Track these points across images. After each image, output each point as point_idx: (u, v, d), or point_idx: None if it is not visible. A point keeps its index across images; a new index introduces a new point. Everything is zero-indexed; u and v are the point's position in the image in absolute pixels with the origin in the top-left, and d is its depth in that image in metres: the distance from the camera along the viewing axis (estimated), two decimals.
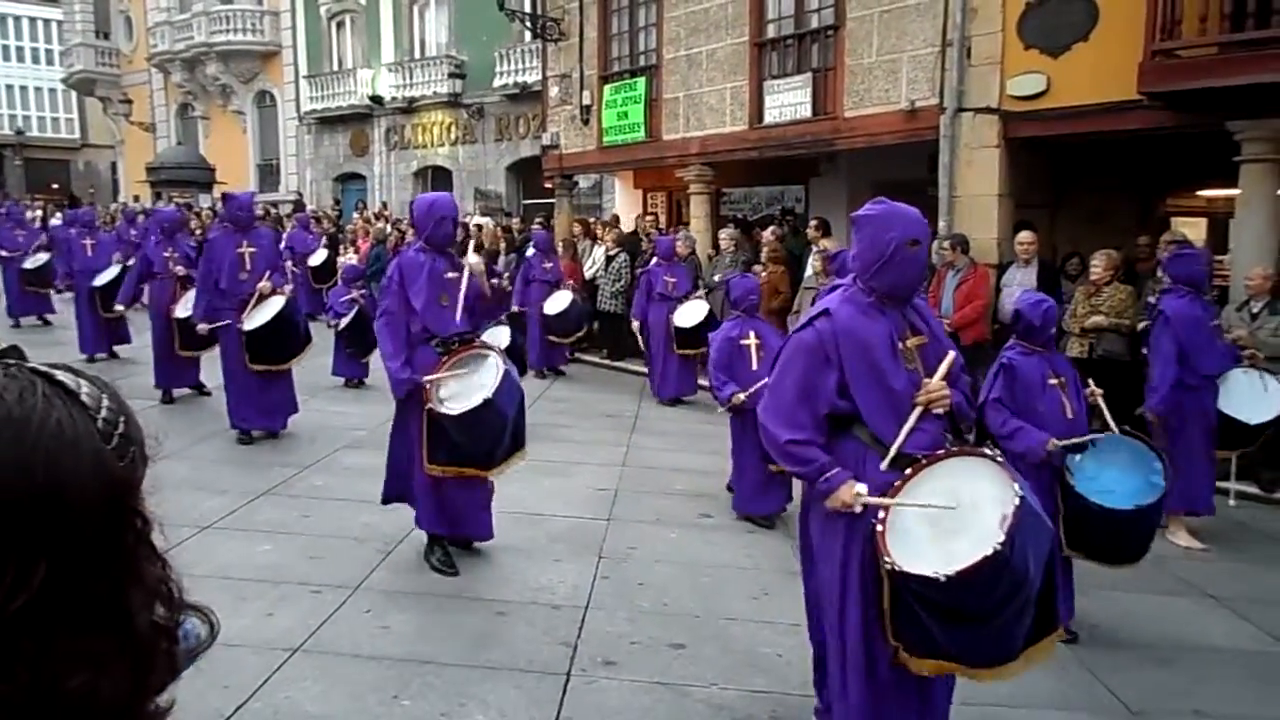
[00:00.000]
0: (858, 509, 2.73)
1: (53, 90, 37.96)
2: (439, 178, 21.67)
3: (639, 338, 10.03)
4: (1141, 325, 7.15)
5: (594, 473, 6.75)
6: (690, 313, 9.43)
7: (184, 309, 7.77)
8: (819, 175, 12.93)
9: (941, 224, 9.11)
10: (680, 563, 5.07)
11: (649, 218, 14.02)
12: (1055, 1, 8.27)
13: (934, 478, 2.74)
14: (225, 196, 7.28)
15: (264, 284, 6.89)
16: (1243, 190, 7.50)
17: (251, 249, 6.95)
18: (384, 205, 20.88)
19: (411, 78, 21.01)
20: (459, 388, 4.50)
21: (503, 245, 13.25)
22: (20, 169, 36.01)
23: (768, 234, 10.55)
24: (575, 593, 4.52)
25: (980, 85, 8.83)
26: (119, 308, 9.14)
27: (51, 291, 12.72)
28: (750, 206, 14.33)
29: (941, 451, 2.80)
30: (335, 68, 23.15)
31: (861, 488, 2.73)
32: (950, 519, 2.63)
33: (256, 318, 6.81)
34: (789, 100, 10.65)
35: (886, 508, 2.70)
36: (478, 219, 16.42)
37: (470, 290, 4.68)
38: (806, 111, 10.47)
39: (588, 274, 12.14)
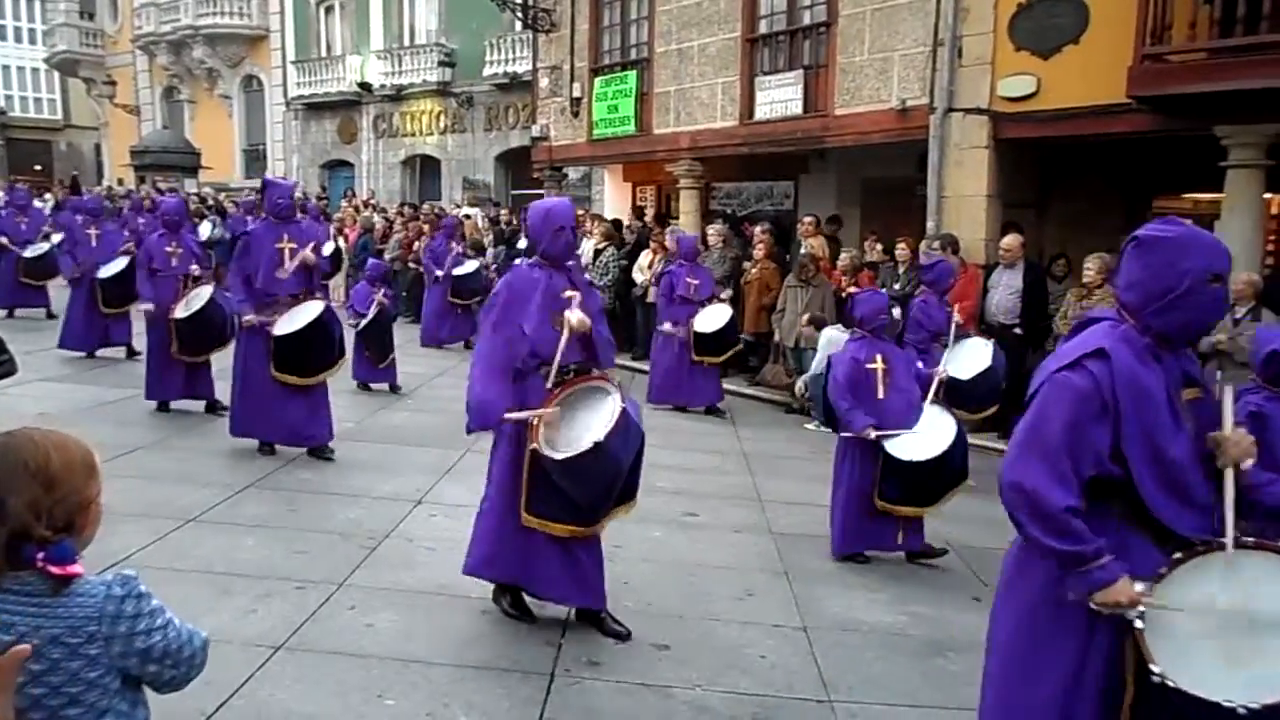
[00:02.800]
0: (1133, 615, 2.17)
1: (35, 70, 37.53)
2: (427, 166, 21.59)
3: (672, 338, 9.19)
4: None
5: None
6: (712, 317, 8.92)
7: (184, 309, 7.20)
8: (809, 172, 12.95)
9: (930, 224, 9.15)
10: (664, 562, 5.07)
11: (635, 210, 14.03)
12: (1046, 4, 8.30)
13: (1218, 573, 2.18)
14: (265, 184, 6.67)
15: (308, 253, 6.27)
16: (1228, 195, 7.56)
17: (292, 244, 6.28)
18: (371, 193, 20.78)
19: (400, 65, 20.89)
20: (568, 427, 3.83)
21: (490, 237, 13.20)
22: (1, 149, 35.59)
23: (759, 230, 10.54)
24: None
25: (970, 86, 8.85)
26: (142, 306, 8.09)
27: (53, 282, 11.83)
28: (739, 202, 14.34)
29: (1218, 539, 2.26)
30: (324, 53, 22.99)
31: (1141, 586, 2.18)
32: (1243, 627, 2.14)
33: (289, 323, 6.19)
34: (780, 96, 10.66)
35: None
36: (465, 209, 16.36)
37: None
38: (797, 108, 10.48)
39: None
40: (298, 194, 19.75)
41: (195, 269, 7.66)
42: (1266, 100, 6.81)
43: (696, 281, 9.10)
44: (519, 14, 14.26)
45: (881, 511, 5.15)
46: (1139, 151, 9.06)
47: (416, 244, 13.83)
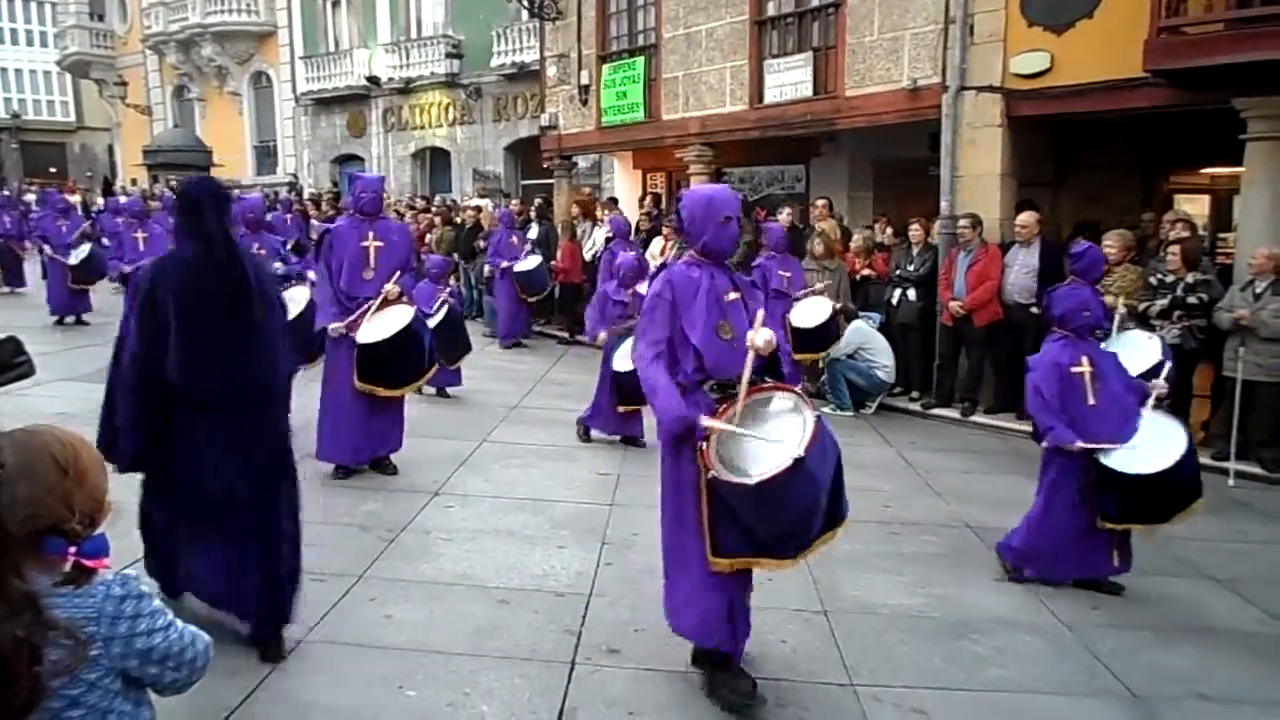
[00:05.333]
0: None
1: (47, 73, 37.82)
2: (437, 159, 21.59)
3: None
4: (1144, 306, 7.14)
5: (596, 457, 6.75)
6: (811, 311, 8.32)
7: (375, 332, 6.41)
8: (820, 154, 12.87)
9: (944, 204, 9.06)
10: None
11: (649, 198, 13.98)
12: None
13: None
14: (353, 179, 6.10)
15: (390, 286, 5.80)
16: (1248, 168, 7.44)
17: (378, 243, 5.84)
18: None
19: (408, 58, 20.88)
20: (749, 447, 3.22)
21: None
22: (16, 152, 35.86)
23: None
24: (578, 580, 4.52)
25: (983, 63, 8.75)
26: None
27: (94, 286, 11.62)
28: (751, 186, 14.26)
29: None
30: (332, 48, 23.00)
31: None
32: None
33: (375, 330, 5.71)
34: (789, 79, 10.57)
35: None
36: (476, 200, 16.36)
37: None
38: (807, 91, 10.39)
39: (587, 256, 12.10)
40: (310, 188, 19.84)
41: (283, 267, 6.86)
42: None
43: (788, 274, 8.50)
44: (525, 3, 14.20)
45: (1099, 529, 4.60)
46: (1156, 126, 8.95)
47: (429, 237, 13.86)
